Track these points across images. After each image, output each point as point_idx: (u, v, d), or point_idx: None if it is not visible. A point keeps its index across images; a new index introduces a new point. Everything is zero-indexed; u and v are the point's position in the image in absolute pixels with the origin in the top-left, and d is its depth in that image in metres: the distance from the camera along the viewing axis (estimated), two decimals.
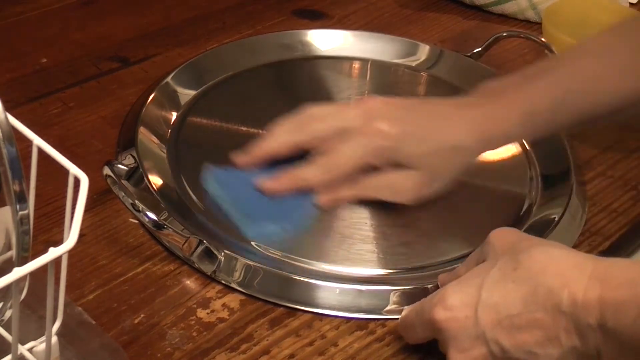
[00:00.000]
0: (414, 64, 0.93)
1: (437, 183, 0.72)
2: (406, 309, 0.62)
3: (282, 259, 0.68)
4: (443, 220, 0.74)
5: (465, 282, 0.58)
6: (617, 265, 0.54)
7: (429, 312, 0.58)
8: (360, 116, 0.71)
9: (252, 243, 0.70)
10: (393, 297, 0.66)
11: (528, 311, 0.54)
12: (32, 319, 0.55)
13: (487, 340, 0.55)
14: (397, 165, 0.70)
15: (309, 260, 0.68)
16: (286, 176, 0.72)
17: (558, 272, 0.54)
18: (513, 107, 0.71)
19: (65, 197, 0.49)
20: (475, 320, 0.56)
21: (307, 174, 0.72)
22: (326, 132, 0.71)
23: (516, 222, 0.74)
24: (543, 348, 0.54)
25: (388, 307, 0.65)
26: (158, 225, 0.67)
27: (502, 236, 0.60)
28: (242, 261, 0.66)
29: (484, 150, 0.74)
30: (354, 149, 0.70)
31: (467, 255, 0.69)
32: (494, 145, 0.75)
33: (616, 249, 0.74)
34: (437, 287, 0.65)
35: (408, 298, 0.65)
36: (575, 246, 0.72)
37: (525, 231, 0.71)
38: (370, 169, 0.71)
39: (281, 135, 0.73)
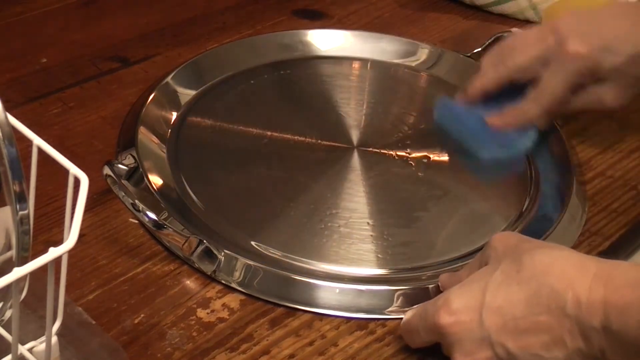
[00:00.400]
0: (414, 64, 0.93)
1: (636, 88, 0.77)
2: (408, 314, 0.62)
3: (282, 259, 0.69)
4: (443, 220, 0.74)
5: (469, 286, 0.58)
6: (619, 267, 0.53)
7: (433, 316, 0.58)
8: (554, 40, 0.75)
9: (252, 243, 0.70)
10: (393, 297, 0.66)
11: (532, 313, 0.54)
12: (32, 319, 0.55)
13: (493, 343, 0.55)
14: (598, 79, 0.76)
15: (309, 260, 0.68)
16: (509, 113, 0.78)
17: (561, 274, 0.54)
18: None
19: (65, 197, 0.49)
20: (480, 323, 0.56)
21: (526, 108, 0.78)
22: (528, 63, 0.77)
23: (516, 222, 0.74)
24: (548, 351, 0.54)
25: (388, 307, 0.65)
26: (158, 225, 0.67)
27: (504, 240, 0.60)
28: (242, 261, 0.66)
29: None
30: (557, 76, 0.76)
31: (467, 255, 0.69)
32: None
33: (616, 249, 0.74)
34: (437, 287, 0.65)
35: (408, 298, 0.65)
36: (575, 246, 0.72)
37: (525, 231, 0.71)
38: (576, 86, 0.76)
39: (488, 72, 0.79)
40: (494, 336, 0.55)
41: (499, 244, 0.60)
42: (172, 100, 0.83)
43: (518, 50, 0.78)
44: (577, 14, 0.78)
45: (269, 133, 0.81)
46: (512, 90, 0.78)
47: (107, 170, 0.69)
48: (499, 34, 0.93)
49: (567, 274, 0.54)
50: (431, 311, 0.58)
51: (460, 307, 0.57)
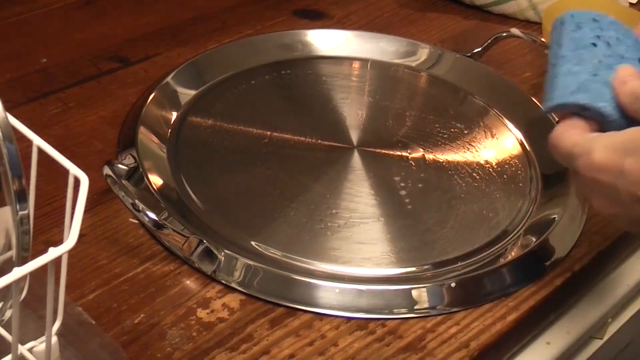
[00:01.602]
0: (414, 64, 0.93)
1: None
2: (564, 130, 0.58)
3: (282, 259, 0.69)
4: (443, 220, 0.74)
5: (620, 137, 0.55)
6: None
7: (576, 159, 0.55)
8: None
9: (252, 243, 0.70)
10: (393, 297, 0.66)
11: None
12: (32, 319, 0.55)
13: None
14: None
15: (309, 260, 0.68)
16: None
17: None
18: None
19: (65, 197, 0.49)
20: (617, 190, 0.54)
21: None
22: None
23: (516, 221, 0.74)
24: None
25: (388, 307, 0.65)
26: (158, 225, 0.67)
27: None
28: (242, 261, 0.66)
29: None
30: None
31: (466, 255, 0.69)
32: None
33: (616, 248, 0.74)
34: (439, 286, 0.65)
35: (408, 298, 0.65)
36: (575, 246, 0.72)
37: (525, 231, 0.72)
38: None
39: None
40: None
41: None
42: (172, 100, 0.83)
43: None
44: None
45: (269, 133, 0.81)
46: None
47: (107, 170, 0.69)
48: (499, 34, 0.93)
49: None
50: (579, 150, 0.55)
51: (602, 165, 0.54)
